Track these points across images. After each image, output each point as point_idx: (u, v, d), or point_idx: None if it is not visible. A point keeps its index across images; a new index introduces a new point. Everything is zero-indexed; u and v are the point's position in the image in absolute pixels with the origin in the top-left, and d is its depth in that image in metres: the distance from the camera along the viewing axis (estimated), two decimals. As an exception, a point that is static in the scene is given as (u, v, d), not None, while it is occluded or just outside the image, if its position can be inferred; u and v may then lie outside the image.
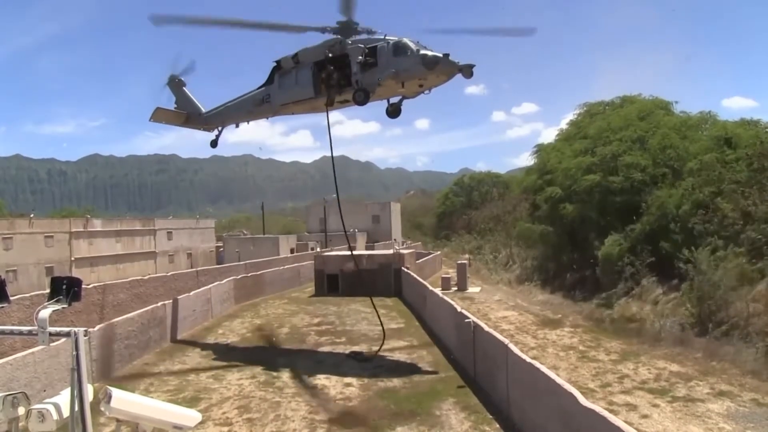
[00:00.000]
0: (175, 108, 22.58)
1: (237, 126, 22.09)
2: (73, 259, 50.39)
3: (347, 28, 17.46)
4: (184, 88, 22.70)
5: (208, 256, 67.54)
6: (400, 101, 18.60)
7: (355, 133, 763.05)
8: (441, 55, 15.98)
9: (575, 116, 37.88)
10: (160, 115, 21.87)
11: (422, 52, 16.24)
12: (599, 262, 26.34)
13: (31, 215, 52.95)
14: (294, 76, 18.95)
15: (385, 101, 18.63)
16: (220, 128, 22.37)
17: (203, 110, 22.40)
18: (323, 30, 17.64)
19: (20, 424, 4.50)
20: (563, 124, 39.57)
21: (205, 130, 22.91)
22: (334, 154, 19.15)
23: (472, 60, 15.95)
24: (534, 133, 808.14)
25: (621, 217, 26.78)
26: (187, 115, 22.44)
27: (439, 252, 56.00)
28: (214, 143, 22.70)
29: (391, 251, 36.41)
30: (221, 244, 66.73)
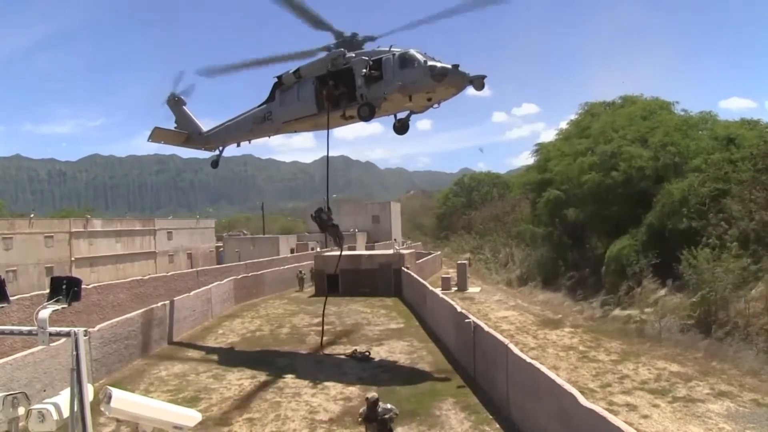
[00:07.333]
0: (174, 127, 22.30)
1: (238, 145, 21.65)
2: (73, 259, 50.35)
3: (349, 41, 17.00)
4: (184, 107, 22.36)
5: (208, 256, 67.48)
6: (408, 116, 18.00)
7: (357, 134, 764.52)
8: (450, 66, 15.18)
9: (576, 116, 37.88)
10: (158, 135, 21.57)
11: (430, 63, 15.44)
12: (604, 262, 26.26)
13: (31, 215, 52.90)
14: (296, 91, 18.30)
15: (392, 116, 18.13)
16: (221, 148, 22.06)
17: (203, 129, 22.05)
18: (327, 49, 17.25)
19: (20, 424, 4.49)
20: (564, 125, 39.61)
21: (206, 149, 22.60)
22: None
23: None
24: (534, 134, 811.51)
25: (624, 216, 26.75)
26: (187, 134, 22.14)
27: (439, 252, 56.03)
28: (215, 164, 22.39)
29: (391, 251, 36.43)
30: (221, 244, 66.71)
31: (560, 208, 31.34)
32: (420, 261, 39.55)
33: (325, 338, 21.45)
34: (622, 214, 26.83)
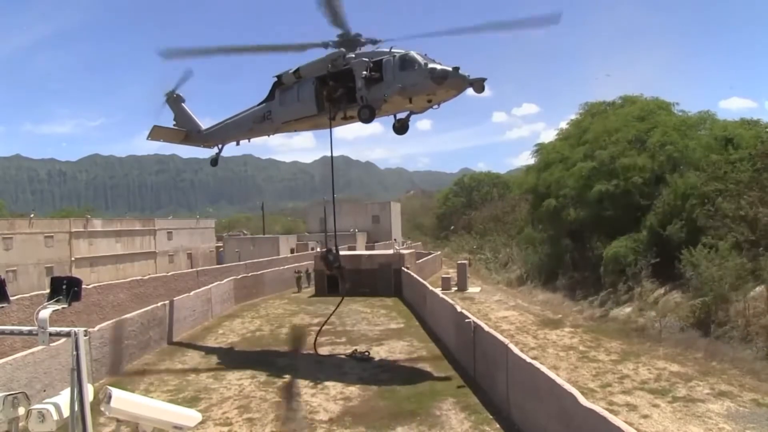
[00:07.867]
0: (174, 125, 22.25)
1: (237, 143, 21.58)
2: (73, 259, 50.35)
3: (350, 41, 16.81)
4: (183, 104, 22.31)
5: (208, 256, 67.47)
6: (408, 117, 17.97)
7: (357, 134, 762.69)
8: (450, 68, 15.06)
9: (576, 116, 37.88)
10: (157, 134, 21.51)
11: (430, 65, 15.34)
12: (603, 262, 26.28)
13: (31, 215, 52.89)
14: (296, 92, 18.21)
15: (392, 116, 18.05)
16: (220, 146, 22.01)
17: (203, 127, 22.01)
18: (325, 45, 17.02)
19: (20, 424, 4.49)
20: (564, 125, 39.59)
21: (205, 147, 22.56)
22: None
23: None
24: (534, 134, 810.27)
25: (623, 218, 26.76)
26: (186, 132, 22.10)
27: (439, 252, 56.03)
28: (214, 162, 22.34)
29: (391, 251, 36.44)
30: (221, 244, 66.69)
31: (559, 212, 31.38)
32: (420, 261, 39.55)
33: (324, 338, 21.47)
34: (621, 217, 26.87)
